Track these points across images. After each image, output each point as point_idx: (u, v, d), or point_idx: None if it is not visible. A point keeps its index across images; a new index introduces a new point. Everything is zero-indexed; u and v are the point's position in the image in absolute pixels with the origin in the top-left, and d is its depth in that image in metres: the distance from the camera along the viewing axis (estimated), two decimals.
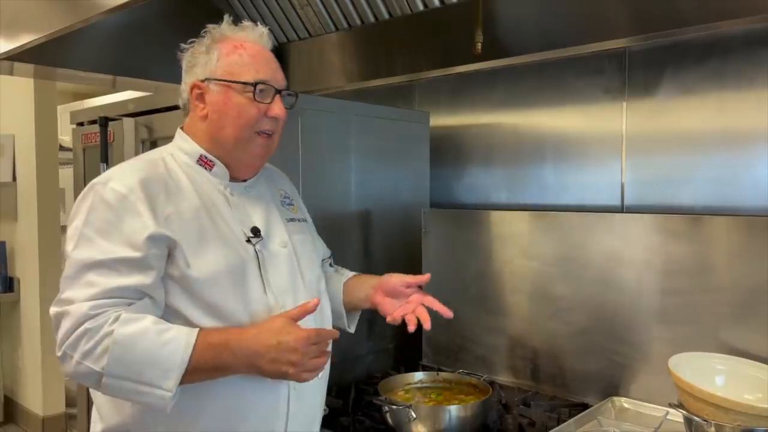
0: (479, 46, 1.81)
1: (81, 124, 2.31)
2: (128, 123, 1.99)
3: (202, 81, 1.28)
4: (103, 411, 1.27)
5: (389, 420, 1.61)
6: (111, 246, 1.15)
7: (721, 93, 1.74)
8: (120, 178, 1.20)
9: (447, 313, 1.43)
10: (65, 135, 4.26)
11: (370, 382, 1.95)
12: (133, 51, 2.53)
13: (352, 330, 1.58)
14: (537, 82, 2.11)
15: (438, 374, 1.85)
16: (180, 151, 1.32)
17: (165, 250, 1.18)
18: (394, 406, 1.59)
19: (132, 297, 1.14)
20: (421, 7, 2.04)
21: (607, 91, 1.95)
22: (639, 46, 1.87)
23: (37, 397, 4.07)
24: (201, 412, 1.19)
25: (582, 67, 1.99)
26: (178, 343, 1.11)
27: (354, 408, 1.80)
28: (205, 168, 1.30)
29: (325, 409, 1.73)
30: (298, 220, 1.45)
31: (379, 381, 1.79)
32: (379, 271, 1.52)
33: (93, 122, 2.16)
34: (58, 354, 1.13)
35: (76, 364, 1.11)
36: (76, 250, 1.16)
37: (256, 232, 1.29)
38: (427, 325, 1.40)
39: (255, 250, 1.27)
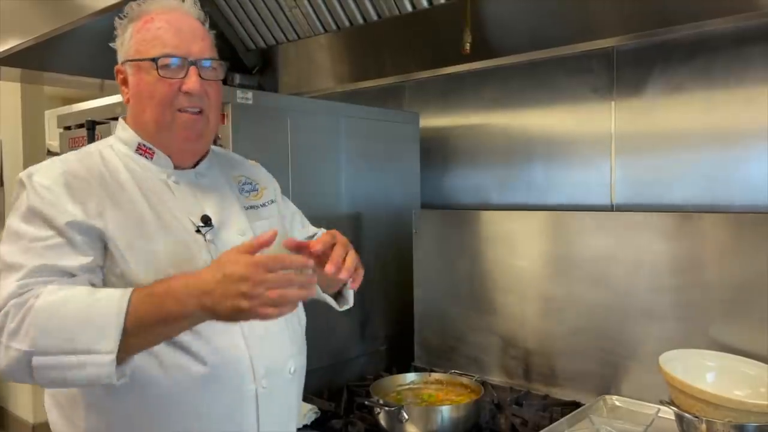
0: (468, 46, 1.81)
1: (68, 128, 2.29)
2: (116, 126, 1.97)
3: (122, 64, 1.23)
4: (56, 428, 1.23)
5: (381, 421, 1.60)
6: (35, 231, 1.09)
7: (710, 91, 1.75)
8: (45, 171, 1.14)
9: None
10: (53, 140, 4.23)
11: (363, 383, 1.94)
12: None
13: (342, 307, 1.41)
14: (526, 82, 2.12)
15: (430, 375, 1.85)
16: (119, 141, 1.26)
17: (98, 242, 1.11)
18: (387, 408, 1.58)
19: (64, 276, 1.06)
20: (409, 8, 2.04)
21: (595, 90, 1.95)
22: (627, 46, 1.88)
23: (27, 404, 4.03)
24: (160, 419, 1.12)
25: (570, 66, 2.00)
26: (110, 298, 0.99)
27: (346, 410, 1.79)
28: (145, 157, 1.23)
29: (316, 412, 1.72)
30: (262, 206, 1.36)
31: (371, 382, 1.79)
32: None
33: (80, 126, 2.14)
34: None
35: (6, 350, 0.99)
36: (2, 244, 1.11)
37: (206, 221, 1.20)
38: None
39: (205, 240, 1.19)
